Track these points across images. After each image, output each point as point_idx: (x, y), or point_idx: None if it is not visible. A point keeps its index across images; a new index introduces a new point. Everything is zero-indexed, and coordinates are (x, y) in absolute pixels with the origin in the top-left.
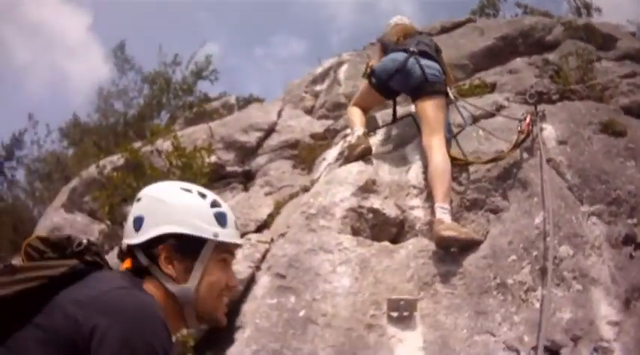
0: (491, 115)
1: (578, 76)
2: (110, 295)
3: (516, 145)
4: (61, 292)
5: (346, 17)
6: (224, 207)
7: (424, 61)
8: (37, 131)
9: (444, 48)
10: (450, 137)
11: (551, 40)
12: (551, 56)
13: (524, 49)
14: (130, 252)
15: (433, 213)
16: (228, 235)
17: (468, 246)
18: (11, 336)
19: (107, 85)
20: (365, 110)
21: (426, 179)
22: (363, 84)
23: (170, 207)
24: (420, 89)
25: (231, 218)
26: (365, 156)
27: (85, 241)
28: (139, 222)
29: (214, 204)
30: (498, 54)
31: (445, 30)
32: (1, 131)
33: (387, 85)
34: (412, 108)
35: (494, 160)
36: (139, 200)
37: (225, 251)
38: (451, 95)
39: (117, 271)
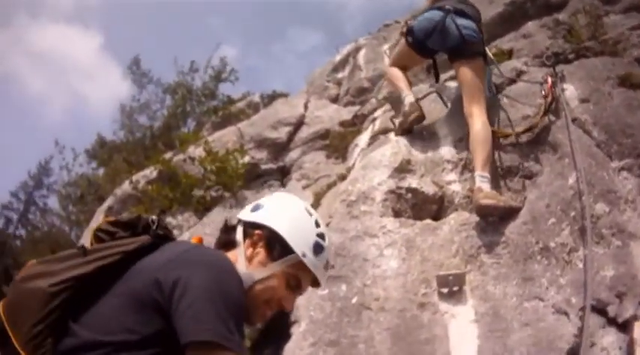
0: (513, 81)
1: (590, 33)
2: (189, 253)
3: (546, 110)
4: (137, 263)
5: (356, 2)
6: (327, 244)
7: (460, 21)
8: (64, 156)
9: None
10: (492, 94)
11: None
12: (561, 16)
13: (533, 11)
14: (234, 226)
15: (473, 181)
16: (312, 263)
17: (507, 213)
18: (88, 311)
19: (128, 101)
20: (405, 68)
21: (459, 152)
22: (400, 44)
23: (287, 214)
24: (458, 50)
25: (325, 257)
26: (419, 123)
27: (155, 218)
28: (257, 207)
29: (320, 236)
30: (510, 19)
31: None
32: (27, 161)
33: (424, 45)
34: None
35: (529, 130)
36: (271, 195)
37: (301, 274)
38: (490, 55)
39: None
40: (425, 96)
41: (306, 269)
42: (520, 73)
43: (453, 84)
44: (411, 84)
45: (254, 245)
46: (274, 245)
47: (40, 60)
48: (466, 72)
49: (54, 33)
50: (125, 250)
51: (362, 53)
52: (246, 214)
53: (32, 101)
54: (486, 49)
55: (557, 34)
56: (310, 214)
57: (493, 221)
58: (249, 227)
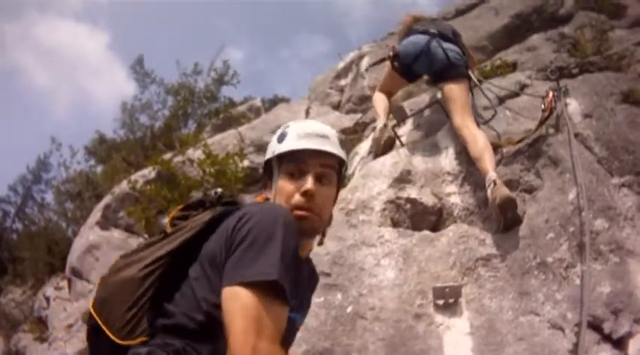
0: (516, 95)
1: (595, 48)
2: (243, 211)
3: (541, 123)
4: (210, 237)
5: (360, 9)
6: (291, 126)
7: (446, 44)
8: (62, 153)
9: (461, 30)
10: (480, 121)
11: (564, 13)
12: (566, 29)
13: (539, 24)
14: None
15: (490, 183)
16: (282, 147)
17: (516, 221)
18: (179, 290)
19: (131, 100)
20: (390, 94)
21: (459, 164)
22: (386, 68)
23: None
24: (445, 73)
25: (292, 132)
26: (390, 145)
27: (218, 190)
28: None
29: (282, 130)
30: (515, 32)
31: (460, 12)
32: (28, 156)
33: (410, 69)
34: (438, 94)
35: (521, 140)
36: None
37: (291, 163)
38: (474, 78)
39: None
40: (427, 107)
41: (292, 156)
42: (524, 86)
43: None
44: (390, 110)
45: (266, 185)
46: (266, 171)
47: (48, 55)
48: (454, 88)
49: (62, 29)
50: (202, 221)
51: (365, 61)
52: None
53: (38, 96)
54: (470, 72)
55: (562, 48)
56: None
57: (492, 234)
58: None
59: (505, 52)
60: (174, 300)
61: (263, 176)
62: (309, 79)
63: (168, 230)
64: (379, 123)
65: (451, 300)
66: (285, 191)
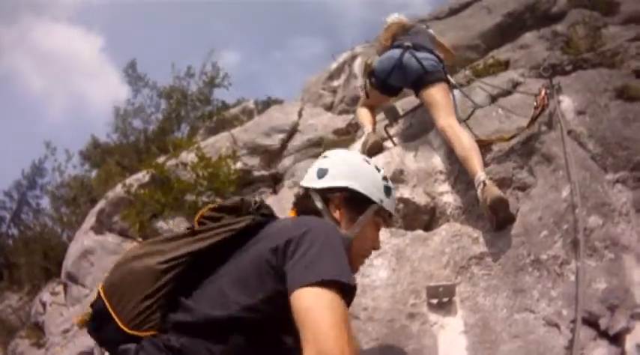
0: (509, 93)
1: (588, 44)
2: (297, 221)
3: (532, 120)
4: (247, 241)
5: (355, 11)
6: (391, 184)
7: (420, 54)
8: (56, 158)
9: (453, 30)
10: (461, 121)
11: (557, 10)
12: (559, 27)
13: (532, 22)
14: (305, 195)
15: (480, 184)
16: (389, 204)
17: (509, 219)
18: (201, 287)
19: (124, 104)
20: (373, 108)
21: (452, 163)
22: (367, 83)
23: (354, 168)
24: (421, 81)
25: (394, 194)
26: (376, 150)
27: (258, 199)
28: (322, 172)
29: (385, 179)
30: (508, 30)
31: (453, 12)
32: (23, 160)
33: (386, 83)
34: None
35: (512, 137)
36: (325, 157)
37: (381, 217)
38: (452, 80)
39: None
40: (419, 107)
41: (381, 210)
42: (516, 84)
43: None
44: (375, 121)
45: (338, 207)
46: (356, 201)
47: (42, 59)
48: (433, 93)
49: (57, 33)
50: (235, 228)
51: (358, 61)
52: (313, 182)
53: (34, 100)
54: (449, 76)
55: (554, 46)
56: (369, 162)
57: (485, 232)
58: (327, 192)
59: (498, 50)
60: (193, 297)
61: (345, 203)
62: (304, 80)
63: (197, 228)
64: (366, 130)
65: (445, 299)
66: (370, 239)
